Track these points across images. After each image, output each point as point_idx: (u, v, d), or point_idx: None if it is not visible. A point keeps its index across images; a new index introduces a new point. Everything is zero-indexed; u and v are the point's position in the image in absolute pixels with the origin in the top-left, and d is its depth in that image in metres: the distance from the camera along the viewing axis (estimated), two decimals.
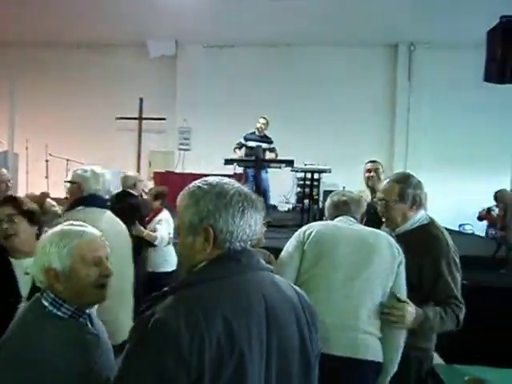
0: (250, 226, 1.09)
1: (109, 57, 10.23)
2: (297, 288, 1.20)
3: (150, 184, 8.20)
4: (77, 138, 9.83)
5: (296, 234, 1.94)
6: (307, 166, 6.36)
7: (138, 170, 9.69)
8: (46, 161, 8.26)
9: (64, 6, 8.24)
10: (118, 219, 2.51)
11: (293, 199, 8.73)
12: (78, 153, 8.53)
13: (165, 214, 4.18)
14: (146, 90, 9.86)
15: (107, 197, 2.52)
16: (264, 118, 6.56)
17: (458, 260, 2.03)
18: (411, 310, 1.78)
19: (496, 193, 6.39)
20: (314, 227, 1.92)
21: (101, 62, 10.22)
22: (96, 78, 10.22)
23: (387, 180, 2.14)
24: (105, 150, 9.65)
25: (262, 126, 6.50)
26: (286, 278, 1.74)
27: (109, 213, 2.44)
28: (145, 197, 4.36)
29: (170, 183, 7.82)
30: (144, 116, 9.74)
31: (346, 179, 8.40)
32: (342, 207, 2.05)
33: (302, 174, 7.10)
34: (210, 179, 1.14)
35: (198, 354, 0.94)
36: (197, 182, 1.14)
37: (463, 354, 2.93)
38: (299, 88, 9.83)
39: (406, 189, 2.04)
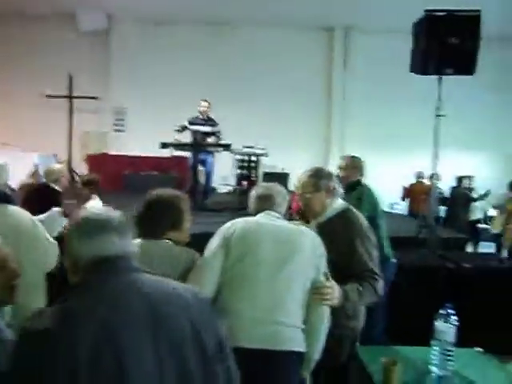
0: (103, 244, 1.15)
1: (34, 28, 9.54)
2: (183, 284, 1.27)
3: (83, 166, 7.86)
4: (1, 117, 9.17)
5: (219, 231, 1.94)
6: (244, 150, 6.35)
7: (70, 153, 9.22)
8: None
9: None
10: (22, 216, 2.26)
11: (232, 181, 8.73)
12: (3, 134, 7.97)
13: (92, 203, 4.05)
14: (78, 67, 9.27)
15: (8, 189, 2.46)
16: (205, 100, 6.46)
17: (372, 237, 2.26)
18: (337, 287, 1.92)
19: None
20: (236, 224, 1.93)
21: (25, 33, 9.51)
22: (20, 51, 9.51)
23: (302, 175, 2.35)
24: (34, 131, 9.10)
25: (205, 108, 6.39)
26: (206, 279, 1.79)
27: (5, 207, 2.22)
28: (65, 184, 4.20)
29: (104, 166, 7.51)
30: (75, 94, 9.23)
31: (285, 161, 8.54)
32: (266, 201, 2.07)
33: (241, 156, 7.09)
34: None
35: (70, 356, 0.99)
36: None
37: (391, 333, 3.13)
38: (238, 68, 9.75)
39: (319, 180, 2.28)
